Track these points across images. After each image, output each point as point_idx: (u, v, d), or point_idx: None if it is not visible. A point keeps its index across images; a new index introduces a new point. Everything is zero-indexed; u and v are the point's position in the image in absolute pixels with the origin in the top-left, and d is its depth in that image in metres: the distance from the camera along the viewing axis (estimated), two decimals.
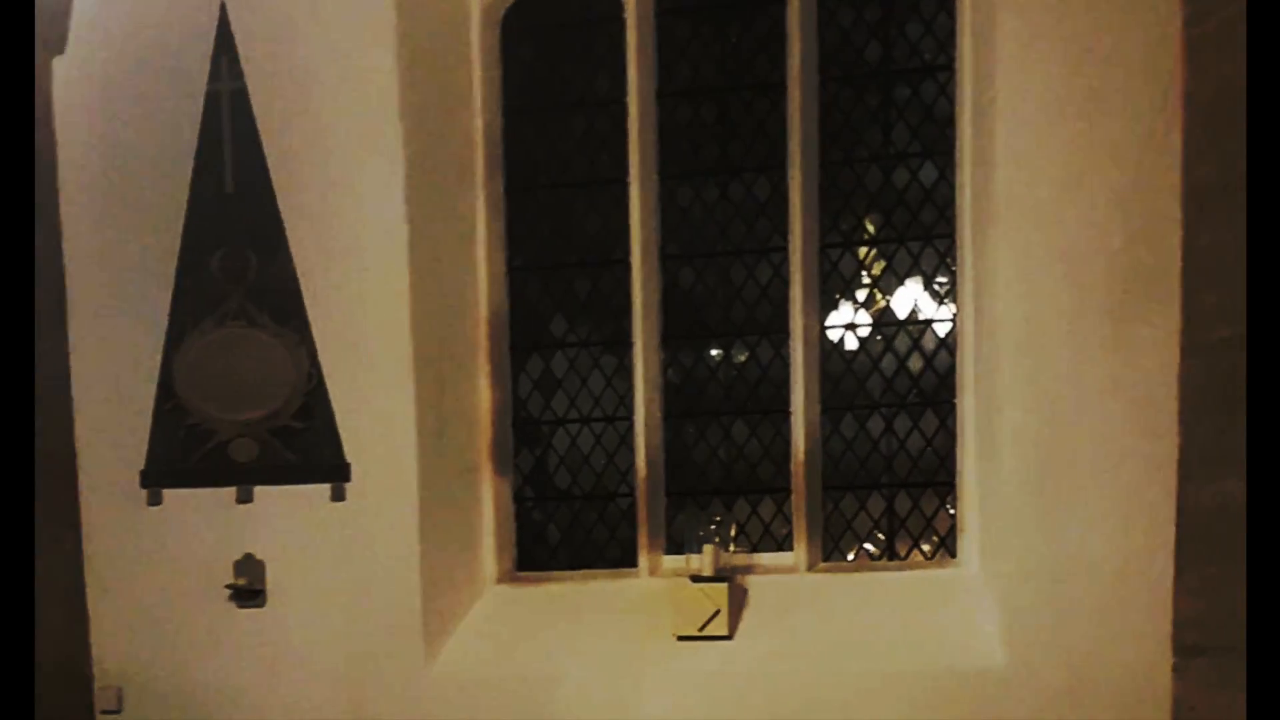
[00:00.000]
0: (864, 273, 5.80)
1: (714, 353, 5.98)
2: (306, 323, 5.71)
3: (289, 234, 5.67)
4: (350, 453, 5.77)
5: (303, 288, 5.70)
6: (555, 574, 6.08)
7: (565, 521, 6.15)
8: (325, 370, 5.73)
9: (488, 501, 6.03)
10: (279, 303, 5.72)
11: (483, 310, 5.98)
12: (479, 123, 5.91)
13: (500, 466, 6.04)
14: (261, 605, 5.88)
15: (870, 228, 5.79)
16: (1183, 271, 3.92)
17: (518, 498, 6.11)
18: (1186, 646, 4.07)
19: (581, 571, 6.07)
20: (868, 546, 5.91)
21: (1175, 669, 4.14)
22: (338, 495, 5.78)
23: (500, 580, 6.07)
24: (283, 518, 5.84)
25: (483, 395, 6.00)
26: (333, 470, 5.77)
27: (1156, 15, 4.68)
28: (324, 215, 5.68)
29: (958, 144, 5.56)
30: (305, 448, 5.78)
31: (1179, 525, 4.10)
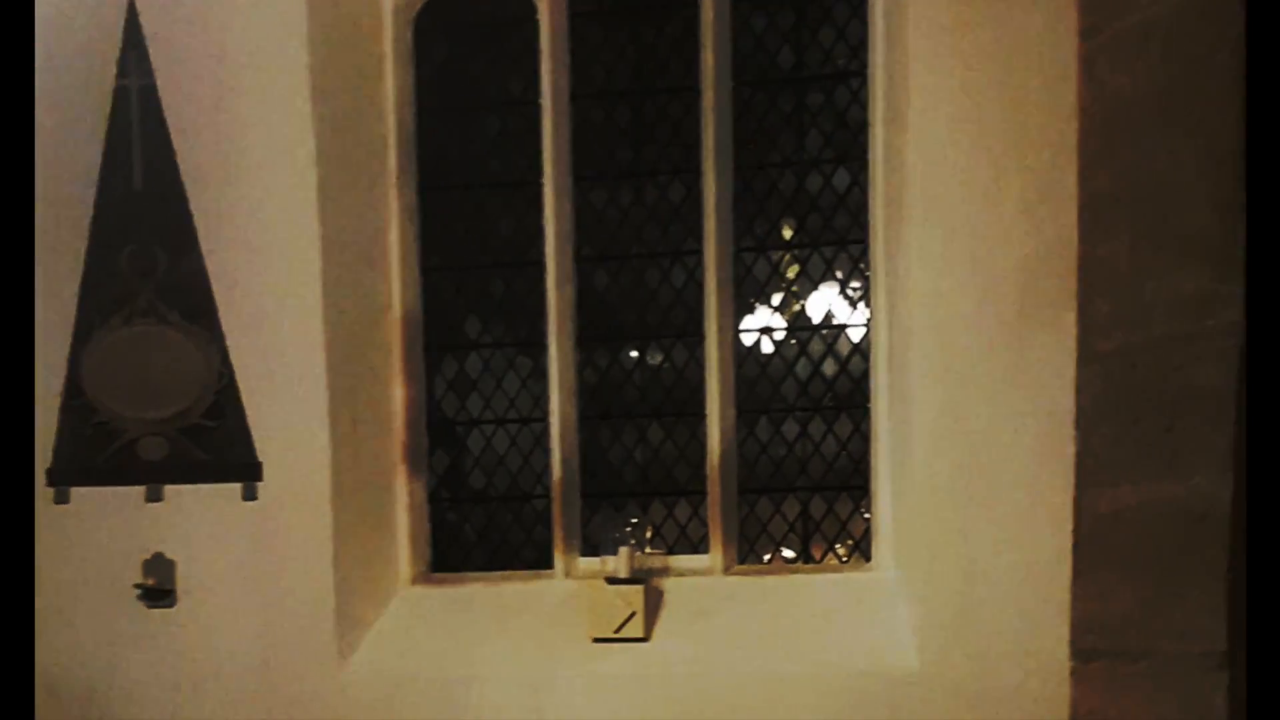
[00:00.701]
0: (779, 277, 5.83)
1: (629, 355, 5.98)
2: (217, 320, 5.66)
3: (199, 231, 5.62)
4: (262, 452, 5.72)
5: (213, 285, 5.65)
6: (470, 575, 6.06)
7: (481, 522, 6.12)
8: (236, 368, 5.68)
9: (402, 502, 6.00)
10: (189, 300, 5.66)
11: (396, 310, 5.95)
12: (392, 122, 5.89)
13: (414, 467, 6.01)
14: (171, 605, 5.83)
15: (785, 232, 5.81)
16: (1079, 281, 3.95)
17: (433, 498, 6.09)
18: (1083, 650, 4.09)
19: (497, 573, 6.05)
20: (784, 550, 5.93)
21: (1073, 673, 4.15)
22: (249, 494, 5.73)
23: (415, 581, 6.05)
24: (193, 517, 5.78)
25: (396, 395, 5.97)
26: (244, 469, 5.72)
27: (1058, 28, 4.73)
28: (235, 213, 5.62)
29: (870, 150, 5.60)
30: (216, 446, 5.73)
31: (1076, 531, 4.13)
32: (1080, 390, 3.99)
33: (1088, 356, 3.94)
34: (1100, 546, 3.91)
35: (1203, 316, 3.49)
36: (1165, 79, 3.55)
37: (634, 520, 5.99)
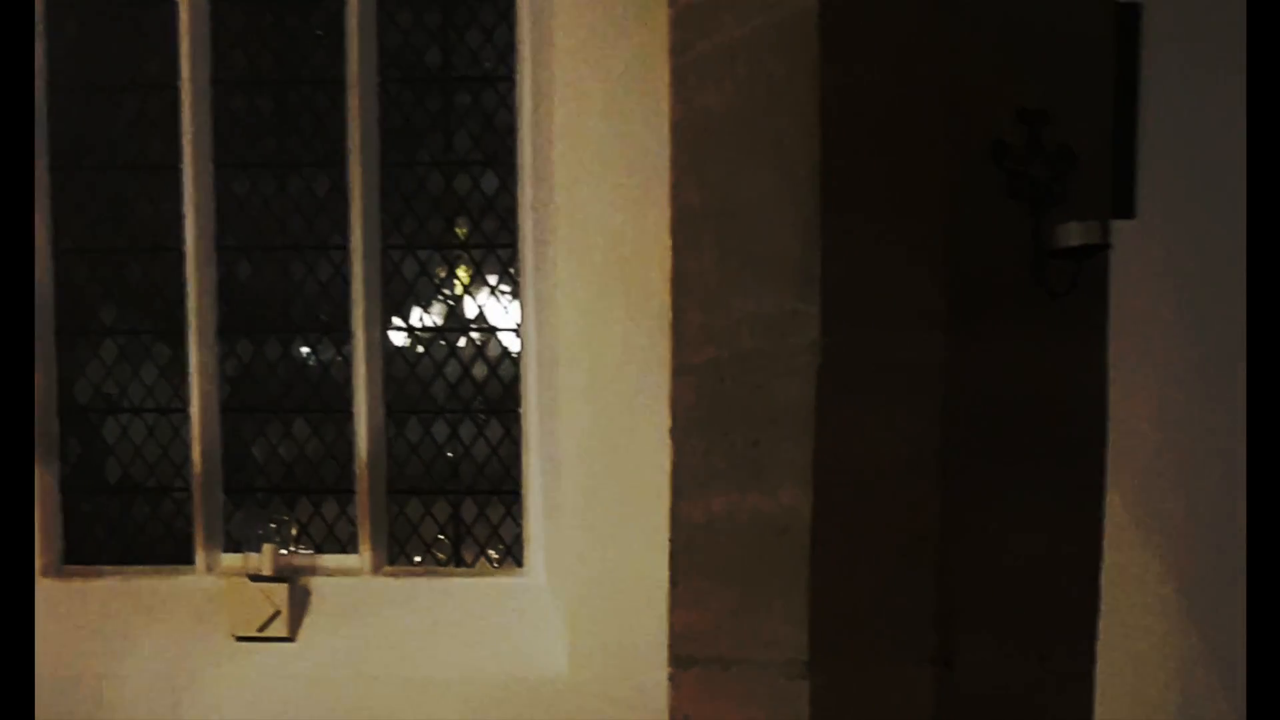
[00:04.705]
0: (429, 277, 5.80)
1: (274, 348, 5.87)
2: None
3: None
4: None
5: None
6: (106, 568, 5.86)
7: (116, 514, 5.92)
8: None
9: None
10: None
11: None
12: None
13: (44, 455, 5.75)
14: None
15: (433, 232, 5.79)
16: (671, 294, 4.01)
17: (65, 488, 5.85)
18: (680, 657, 4.16)
19: (134, 567, 5.86)
20: (435, 552, 5.91)
21: (671, 679, 4.22)
22: None
23: (45, 573, 5.78)
24: None
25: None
26: None
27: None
28: None
29: (518, 155, 5.62)
30: None
31: (672, 540, 4.19)
32: (674, 402, 4.06)
33: (681, 369, 4.00)
34: (695, 556, 3.98)
35: (785, 334, 3.58)
36: (749, 100, 3.63)
37: (284, 517, 5.89)
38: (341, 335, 5.79)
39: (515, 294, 5.72)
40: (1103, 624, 3.40)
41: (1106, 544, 3.40)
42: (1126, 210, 4.58)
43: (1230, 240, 4.92)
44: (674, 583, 4.20)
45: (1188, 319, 4.98)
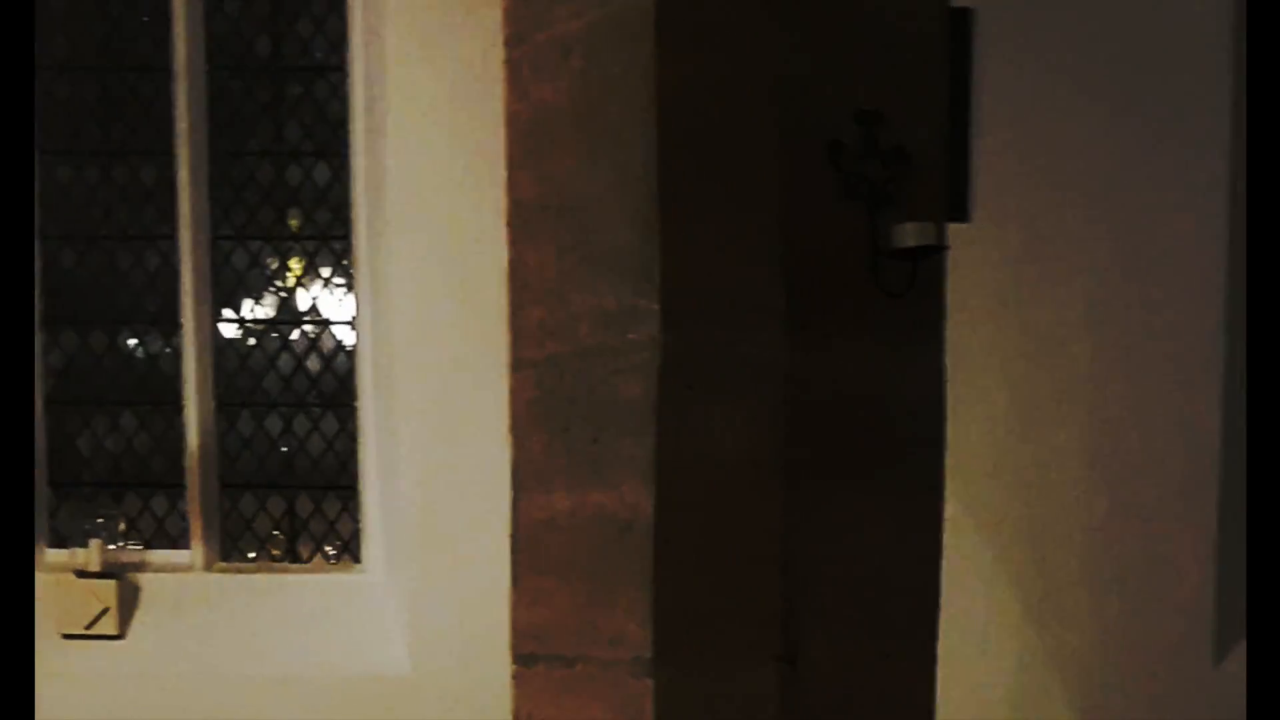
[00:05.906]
0: (260, 268, 5.72)
1: (100, 340, 5.74)
2: None
3: None
4: None
5: None
6: None
7: None
8: None
9: None
10: None
11: None
12: None
13: None
14: None
15: (264, 223, 5.71)
16: (509, 288, 3.99)
17: None
18: (523, 655, 4.14)
19: None
20: (270, 548, 5.82)
21: (514, 676, 4.20)
22: None
23: None
24: None
25: None
26: None
27: None
28: None
29: (351, 147, 5.56)
30: None
31: (513, 537, 4.18)
32: (513, 397, 4.04)
33: (520, 363, 3.98)
34: (537, 553, 3.96)
35: (624, 330, 3.57)
36: (584, 94, 3.62)
37: (112, 512, 5.75)
38: (170, 327, 5.68)
39: (350, 286, 5.65)
40: (944, 623, 3.46)
41: (946, 544, 3.45)
42: (961, 213, 4.68)
43: (1063, 241, 5.06)
44: (515, 580, 4.19)
45: (1023, 320, 5.10)
